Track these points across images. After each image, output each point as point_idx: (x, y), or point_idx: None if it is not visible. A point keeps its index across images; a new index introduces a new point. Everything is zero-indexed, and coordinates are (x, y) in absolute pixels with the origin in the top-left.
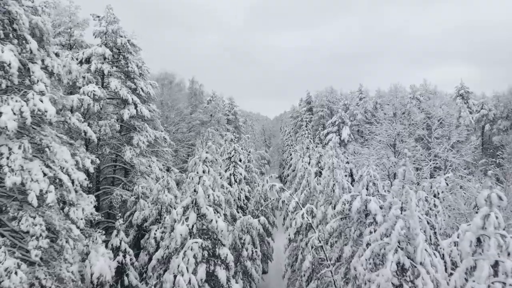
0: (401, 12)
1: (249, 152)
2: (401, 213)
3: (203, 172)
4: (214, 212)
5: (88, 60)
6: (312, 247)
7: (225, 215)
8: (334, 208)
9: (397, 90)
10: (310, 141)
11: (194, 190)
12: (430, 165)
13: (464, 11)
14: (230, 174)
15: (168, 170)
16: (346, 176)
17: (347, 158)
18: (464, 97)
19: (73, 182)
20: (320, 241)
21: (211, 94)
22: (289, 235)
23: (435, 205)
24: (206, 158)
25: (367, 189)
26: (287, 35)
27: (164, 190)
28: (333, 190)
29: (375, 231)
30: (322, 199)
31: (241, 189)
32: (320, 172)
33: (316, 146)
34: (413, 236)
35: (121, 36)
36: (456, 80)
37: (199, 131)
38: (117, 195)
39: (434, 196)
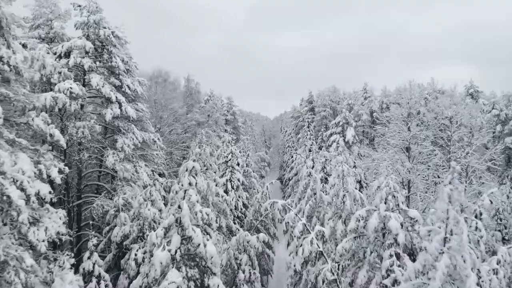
0: (401, 12)
1: (248, 155)
2: (444, 245)
3: (190, 184)
4: (203, 234)
5: (68, 54)
6: (323, 282)
7: (220, 227)
8: (344, 223)
9: (412, 88)
10: (312, 142)
11: (178, 207)
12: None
13: (464, 11)
14: (227, 180)
15: (160, 175)
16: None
17: (354, 162)
18: (474, 96)
19: (28, 198)
20: (333, 273)
21: (208, 93)
22: (294, 266)
23: (477, 228)
24: (193, 167)
25: (385, 203)
26: (287, 35)
27: (147, 203)
28: (343, 202)
29: (397, 254)
30: (330, 212)
31: (239, 197)
32: (326, 179)
33: (320, 148)
34: (462, 277)
35: (104, 28)
36: (456, 80)
37: (195, 132)
38: (97, 205)
39: (476, 217)
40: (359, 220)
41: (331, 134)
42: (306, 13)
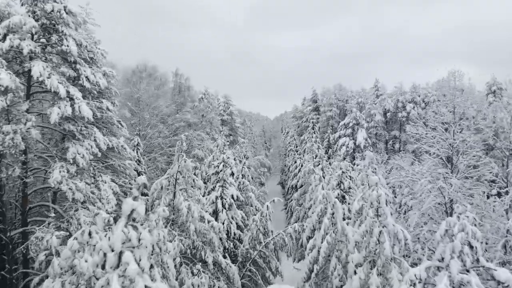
0: (401, 12)
1: (244, 163)
2: None
3: (129, 241)
4: None
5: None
6: None
7: (205, 263)
8: (381, 275)
9: (458, 81)
10: (318, 146)
11: (108, 284)
12: None
13: (464, 11)
14: (217, 197)
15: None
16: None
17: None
18: (497, 94)
19: None
20: None
21: (203, 91)
22: None
23: None
24: (133, 211)
25: (459, 257)
26: (287, 35)
27: (84, 250)
28: (379, 241)
29: None
30: (358, 255)
31: (232, 218)
32: (344, 197)
33: (326, 152)
34: None
35: (55, 1)
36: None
37: (186, 135)
38: (37, 239)
39: None
40: (414, 283)
41: (339, 137)
42: (306, 13)
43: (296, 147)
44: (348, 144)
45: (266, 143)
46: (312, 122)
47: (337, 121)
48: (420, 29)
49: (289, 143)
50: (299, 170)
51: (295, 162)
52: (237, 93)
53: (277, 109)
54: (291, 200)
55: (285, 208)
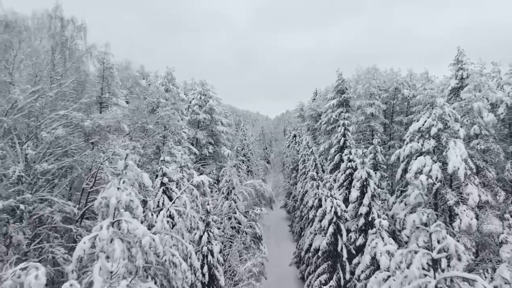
0: (410, 13)
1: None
2: None
3: None
4: None
5: None
6: None
7: None
8: None
9: None
10: (367, 178)
11: None
12: None
13: (473, 12)
14: None
15: None
16: None
17: None
18: None
19: None
20: None
21: (163, 74)
22: None
23: None
24: None
25: None
26: (294, 36)
27: None
28: None
29: None
30: None
31: None
32: None
33: (373, 193)
34: None
35: None
36: None
37: (94, 158)
38: None
39: None
40: None
41: (409, 155)
42: (314, 14)
43: (314, 165)
44: (430, 170)
45: (266, 149)
46: (344, 126)
47: (382, 122)
48: (429, 30)
49: (302, 157)
50: (324, 215)
51: (317, 198)
52: (242, 94)
53: (279, 110)
54: (309, 264)
55: (296, 259)
